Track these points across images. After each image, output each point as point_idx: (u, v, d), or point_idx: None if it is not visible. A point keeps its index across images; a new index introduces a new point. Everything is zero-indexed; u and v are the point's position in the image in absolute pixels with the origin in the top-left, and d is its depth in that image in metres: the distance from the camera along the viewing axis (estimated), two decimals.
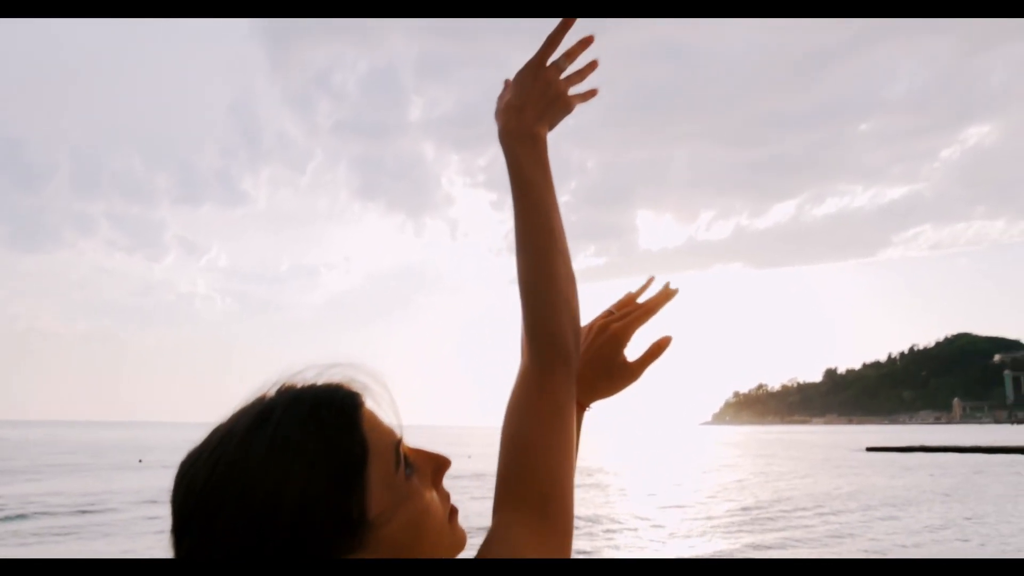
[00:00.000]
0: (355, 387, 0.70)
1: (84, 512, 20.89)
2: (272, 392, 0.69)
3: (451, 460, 0.75)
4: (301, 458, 0.62)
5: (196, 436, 0.68)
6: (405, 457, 0.70)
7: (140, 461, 45.11)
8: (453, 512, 0.74)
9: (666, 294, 1.05)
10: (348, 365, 0.72)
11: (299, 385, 0.69)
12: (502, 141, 0.93)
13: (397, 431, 0.70)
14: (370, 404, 0.70)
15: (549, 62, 0.96)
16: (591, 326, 1.04)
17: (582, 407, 1.02)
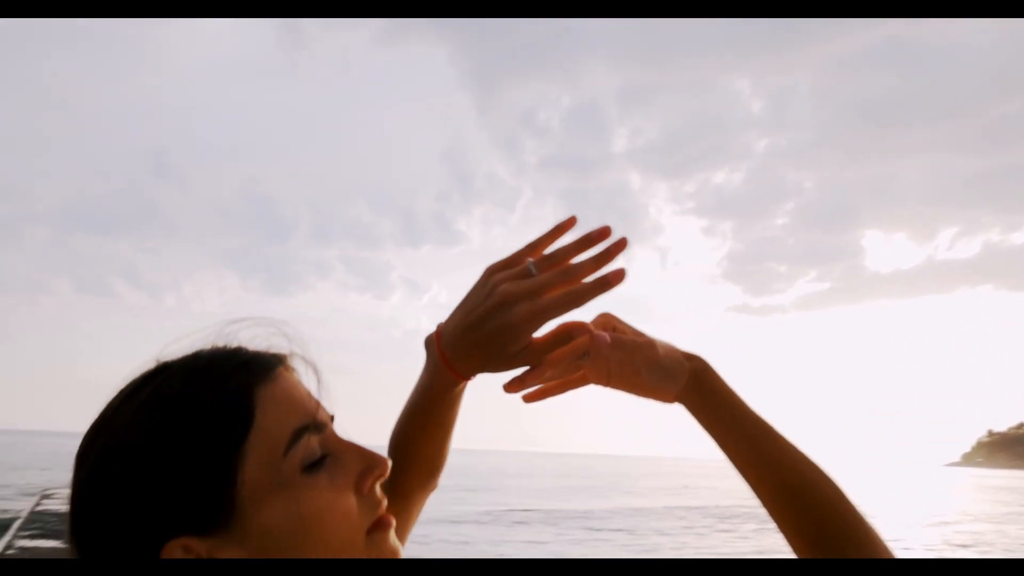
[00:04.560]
0: (282, 354, 0.63)
1: None
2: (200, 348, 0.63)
3: (389, 463, 0.62)
4: (173, 415, 0.56)
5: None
6: (323, 448, 0.60)
7: None
8: (380, 524, 0.62)
9: (606, 276, 0.72)
10: (279, 327, 0.65)
11: (220, 344, 0.63)
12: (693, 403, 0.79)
13: (316, 416, 0.61)
14: (299, 377, 0.63)
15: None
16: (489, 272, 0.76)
17: (461, 377, 0.77)
